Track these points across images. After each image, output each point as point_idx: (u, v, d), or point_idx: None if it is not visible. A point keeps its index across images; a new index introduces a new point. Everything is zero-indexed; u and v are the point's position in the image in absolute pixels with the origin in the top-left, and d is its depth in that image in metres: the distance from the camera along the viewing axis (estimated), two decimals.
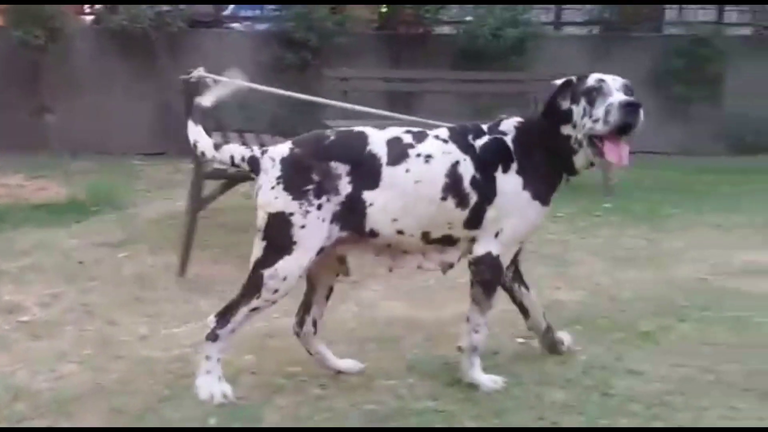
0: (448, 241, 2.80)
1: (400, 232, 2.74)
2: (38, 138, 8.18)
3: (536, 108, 2.80)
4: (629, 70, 9.73)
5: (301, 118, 9.08)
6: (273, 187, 2.70)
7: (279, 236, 2.67)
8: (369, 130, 2.81)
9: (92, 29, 9.46)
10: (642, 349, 3.21)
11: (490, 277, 2.79)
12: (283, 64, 9.02)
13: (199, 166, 4.35)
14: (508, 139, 2.79)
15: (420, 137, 2.80)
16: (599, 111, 2.66)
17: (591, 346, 3.23)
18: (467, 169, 2.74)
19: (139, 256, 4.55)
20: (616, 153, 2.66)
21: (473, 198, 2.74)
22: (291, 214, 2.66)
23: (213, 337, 2.72)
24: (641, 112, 2.63)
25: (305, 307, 3.03)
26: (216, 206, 5.42)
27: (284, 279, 2.68)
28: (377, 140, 2.75)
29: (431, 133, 2.83)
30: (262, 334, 3.39)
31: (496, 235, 2.76)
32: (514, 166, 2.76)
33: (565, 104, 2.75)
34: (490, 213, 2.75)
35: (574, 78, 2.77)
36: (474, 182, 2.74)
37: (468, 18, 9.44)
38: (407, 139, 2.77)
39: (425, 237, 2.77)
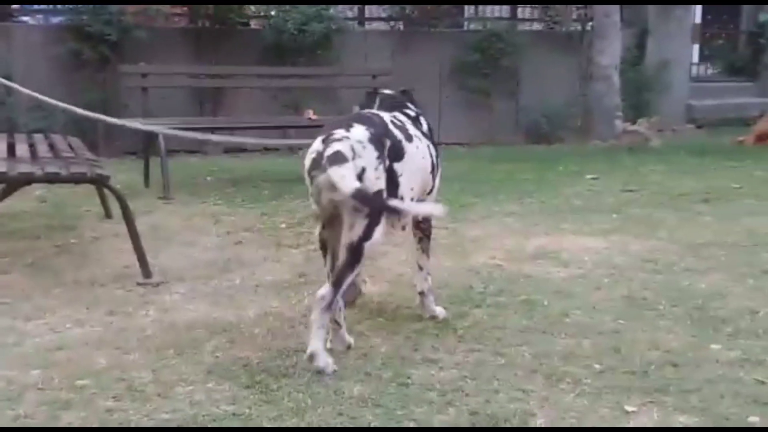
0: None
1: (412, 199, 3.21)
2: None
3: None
4: (431, 64, 10.18)
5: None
6: (376, 168, 2.96)
7: (378, 211, 2.97)
8: (377, 111, 3.30)
9: None
10: (439, 337, 3.30)
11: (431, 230, 3.54)
12: (80, 60, 8.60)
13: None
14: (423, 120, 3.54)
15: (403, 122, 3.31)
16: None
17: (392, 338, 3.29)
18: (432, 148, 3.39)
19: None
20: None
21: (436, 172, 3.42)
22: (382, 189, 2.98)
23: (331, 305, 2.96)
24: None
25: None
26: (7, 212, 5.11)
27: (377, 244, 3.04)
28: (388, 120, 3.19)
29: (400, 117, 3.33)
30: (51, 347, 3.20)
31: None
32: None
33: None
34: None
35: None
36: (436, 159, 3.41)
37: (272, 12, 9.38)
38: (398, 122, 3.26)
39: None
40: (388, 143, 3.06)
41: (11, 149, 4.64)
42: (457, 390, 2.79)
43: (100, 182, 4.05)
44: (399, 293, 3.89)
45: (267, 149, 9.03)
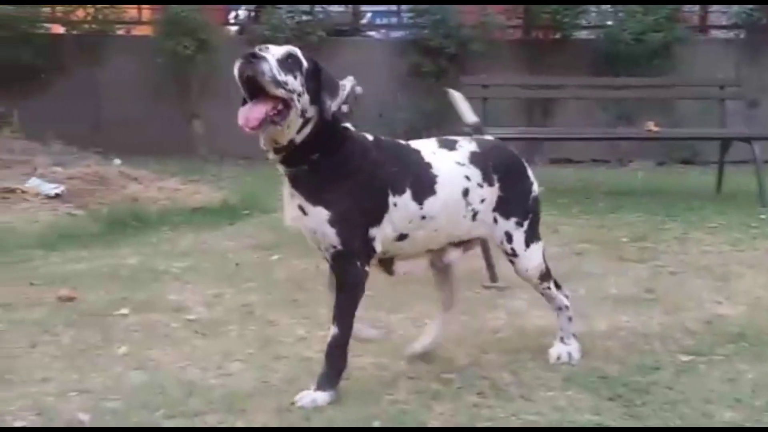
0: None
1: None
2: (188, 144, 8.59)
3: None
4: None
5: (436, 126, 9.17)
6: None
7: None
8: None
9: (237, 39, 9.85)
10: None
11: None
12: (420, 72, 9.11)
13: None
14: None
15: None
16: None
17: (758, 364, 3.10)
18: None
19: (290, 259, 4.69)
20: (241, 115, 2.60)
21: None
22: None
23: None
24: (258, 63, 2.53)
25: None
26: None
27: None
28: None
29: None
30: (415, 341, 3.42)
31: None
32: None
33: None
34: None
35: None
36: None
37: (609, 23, 9.25)
38: None
39: None
40: None
41: None
42: None
43: None
44: (760, 317, 3.65)
45: (595, 160, 8.95)
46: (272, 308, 3.81)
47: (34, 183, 6.18)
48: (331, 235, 2.74)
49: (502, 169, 2.97)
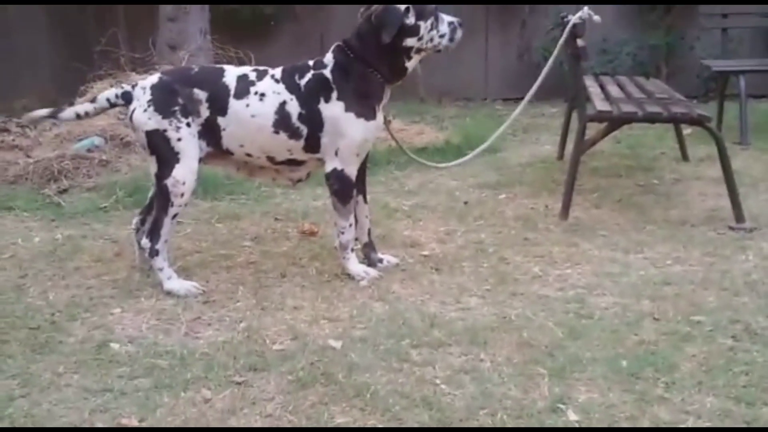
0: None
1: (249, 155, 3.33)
2: (408, 85, 8.67)
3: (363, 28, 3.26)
4: None
5: (664, 61, 8.66)
6: (145, 110, 3.21)
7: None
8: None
9: None
10: None
11: (336, 187, 3.34)
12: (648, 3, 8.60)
13: (583, 110, 4.30)
14: (327, 71, 3.26)
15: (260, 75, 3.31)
16: (443, 27, 3.30)
17: None
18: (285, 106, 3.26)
19: (518, 198, 4.64)
20: None
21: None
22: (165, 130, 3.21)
23: (154, 252, 3.24)
24: None
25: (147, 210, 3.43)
26: (589, 151, 5.35)
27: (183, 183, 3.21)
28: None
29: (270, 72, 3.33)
30: (658, 281, 3.29)
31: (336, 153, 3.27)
32: (334, 94, 3.24)
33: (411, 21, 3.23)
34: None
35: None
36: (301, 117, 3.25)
37: None
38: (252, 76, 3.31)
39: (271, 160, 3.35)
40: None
41: (604, 90, 4.83)
42: None
43: (701, 123, 3.99)
44: None
45: None
46: (504, 246, 3.78)
47: None
48: None
49: None
